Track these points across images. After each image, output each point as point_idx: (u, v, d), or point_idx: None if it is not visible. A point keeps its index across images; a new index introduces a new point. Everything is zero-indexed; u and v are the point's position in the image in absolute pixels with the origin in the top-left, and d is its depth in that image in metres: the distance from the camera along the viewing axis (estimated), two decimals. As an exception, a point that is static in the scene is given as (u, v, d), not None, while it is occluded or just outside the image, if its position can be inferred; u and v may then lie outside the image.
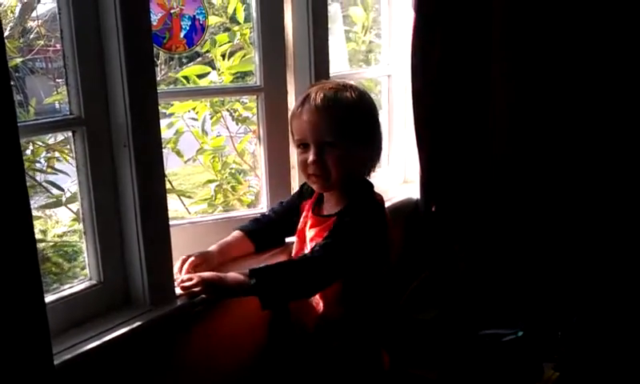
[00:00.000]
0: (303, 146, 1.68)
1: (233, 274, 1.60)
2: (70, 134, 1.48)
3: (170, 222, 1.60)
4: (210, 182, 2.43)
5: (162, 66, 2.50)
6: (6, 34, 1.95)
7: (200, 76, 2.26)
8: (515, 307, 2.42)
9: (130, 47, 1.43)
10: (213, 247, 1.76)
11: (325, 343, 1.73)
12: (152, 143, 1.51)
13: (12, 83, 1.57)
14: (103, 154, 1.49)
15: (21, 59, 2.11)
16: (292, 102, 1.96)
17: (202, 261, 1.68)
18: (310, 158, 1.64)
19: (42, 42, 2.14)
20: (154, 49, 1.80)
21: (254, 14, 1.92)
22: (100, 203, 1.50)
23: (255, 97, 2.00)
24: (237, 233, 1.83)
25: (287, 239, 1.91)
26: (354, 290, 1.69)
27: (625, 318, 2.35)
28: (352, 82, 1.76)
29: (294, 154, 1.95)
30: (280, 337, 1.87)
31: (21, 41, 2.17)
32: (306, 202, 1.83)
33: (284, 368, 1.87)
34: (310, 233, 1.74)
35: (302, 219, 1.82)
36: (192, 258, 1.66)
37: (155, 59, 2.41)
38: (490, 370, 2.22)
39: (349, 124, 1.63)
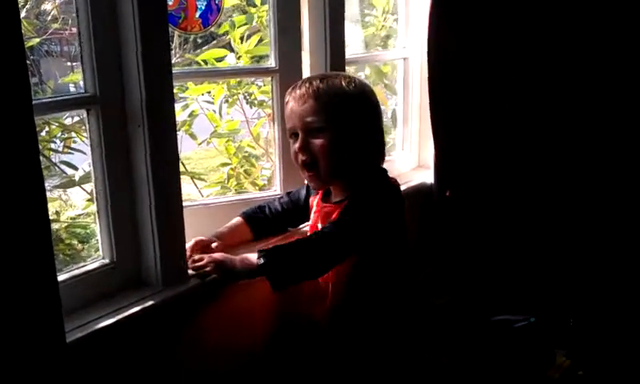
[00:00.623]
0: (294, 136, 1.66)
1: (243, 256, 1.59)
2: (84, 113, 1.48)
3: (183, 204, 1.60)
4: (223, 165, 2.43)
5: (177, 50, 2.50)
6: (22, 14, 1.96)
7: (218, 60, 2.25)
8: (527, 293, 2.40)
9: (145, 27, 1.42)
10: (216, 233, 1.75)
11: (339, 334, 1.73)
12: (166, 123, 1.51)
13: (28, 63, 1.59)
14: (117, 134, 1.49)
15: (37, 40, 2.11)
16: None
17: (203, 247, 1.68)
18: (297, 144, 1.63)
19: (57, 25, 2.14)
20: (169, 29, 1.80)
21: (270, -5, 1.90)
22: (113, 183, 1.50)
23: (270, 78, 1.99)
24: (237, 219, 1.82)
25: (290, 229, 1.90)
26: (369, 273, 1.67)
27: (638, 306, 2.34)
28: (350, 75, 1.75)
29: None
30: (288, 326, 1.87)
31: (37, 22, 2.18)
32: (314, 197, 1.81)
33: (294, 352, 1.87)
34: (323, 225, 1.72)
35: (312, 215, 1.80)
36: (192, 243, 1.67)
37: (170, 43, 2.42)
38: (502, 357, 2.21)
39: (336, 109, 1.61)
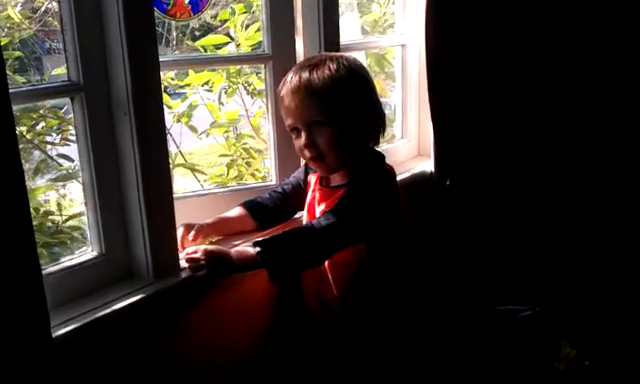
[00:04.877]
0: (296, 131, 1.64)
1: (239, 249, 1.57)
2: (68, 101, 1.44)
3: (180, 194, 1.55)
4: (223, 156, 2.39)
5: (173, 42, 2.46)
6: (17, 8, 1.93)
7: (218, 47, 2.21)
8: (531, 283, 2.37)
9: (129, 10, 1.38)
10: (208, 220, 1.72)
11: (349, 321, 1.71)
12: (154, 110, 1.47)
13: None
14: (103, 123, 1.45)
15: (31, 31, 2.09)
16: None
17: (191, 230, 1.65)
18: (302, 141, 1.61)
19: (56, 22, 2.12)
20: (159, 16, 1.76)
21: (261, -21, 1.86)
22: (100, 173, 1.47)
23: (263, 66, 1.95)
24: (238, 209, 1.79)
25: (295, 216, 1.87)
26: (371, 263, 1.66)
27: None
28: (337, 53, 1.70)
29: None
30: (289, 313, 1.85)
31: (33, 15, 2.15)
32: (313, 174, 1.78)
33: (294, 345, 1.85)
34: (320, 207, 1.70)
35: (309, 193, 1.78)
36: (181, 229, 1.64)
37: (167, 34, 2.39)
38: (506, 347, 2.18)
39: (331, 99, 1.57)
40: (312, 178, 1.78)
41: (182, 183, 2.45)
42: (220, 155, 2.43)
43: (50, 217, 2.03)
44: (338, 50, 1.92)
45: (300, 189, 1.83)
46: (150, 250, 1.51)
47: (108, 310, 1.39)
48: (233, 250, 1.56)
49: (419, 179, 2.36)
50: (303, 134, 1.60)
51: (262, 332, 1.82)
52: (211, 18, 2.40)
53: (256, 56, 2.06)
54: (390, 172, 1.71)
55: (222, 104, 2.33)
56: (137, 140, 1.44)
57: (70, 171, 2.04)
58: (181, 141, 2.34)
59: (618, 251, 2.35)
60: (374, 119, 1.67)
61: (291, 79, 1.60)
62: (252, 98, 2.38)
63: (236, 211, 1.79)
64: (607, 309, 2.30)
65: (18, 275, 1.17)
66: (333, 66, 1.60)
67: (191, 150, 3.41)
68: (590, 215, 2.37)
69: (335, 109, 1.58)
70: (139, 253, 1.52)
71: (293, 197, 1.84)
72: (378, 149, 1.74)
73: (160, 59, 1.49)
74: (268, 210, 1.81)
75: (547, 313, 2.23)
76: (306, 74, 1.58)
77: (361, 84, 1.65)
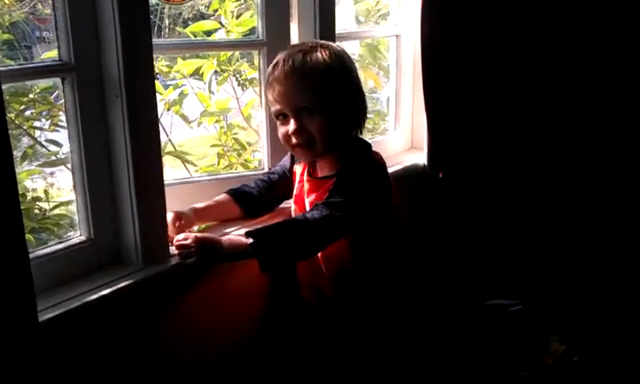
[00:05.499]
0: (282, 117, 1.63)
1: (231, 237, 1.56)
2: (59, 81, 1.42)
3: (171, 181, 1.56)
4: (214, 146, 2.37)
5: (166, 30, 2.44)
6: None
7: (207, 33, 2.19)
8: (521, 277, 2.36)
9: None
10: (195, 205, 1.71)
11: (343, 310, 1.72)
12: (146, 92, 1.44)
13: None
14: (94, 105, 1.43)
15: (23, 14, 2.06)
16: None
17: (181, 217, 1.64)
18: (291, 128, 1.60)
19: (48, 11, 2.10)
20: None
21: (256, -35, 1.84)
22: (90, 155, 1.44)
23: (257, 52, 1.93)
24: (223, 196, 1.78)
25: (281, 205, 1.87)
26: (363, 253, 1.67)
27: (634, 293, 2.30)
28: (325, 42, 1.69)
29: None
30: (283, 301, 1.84)
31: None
32: (298, 165, 1.78)
33: (287, 336, 1.85)
34: (309, 198, 1.70)
35: (296, 184, 1.77)
36: (171, 215, 1.62)
37: (159, 22, 2.36)
38: (495, 342, 2.17)
39: (323, 85, 1.58)
40: (298, 169, 1.78)
41: (172, 174, 2.43)
42: (211, 146, 2.41)
43: (37, 203, 2.00)
44: (333, 39, 1.91)
45: (286, 178, 1.83)
46: (140, 235, 1.49)
47: (96, 296, 1.37)
48: (224, 239, 1.54)
49: (412, 172, 2.35)
50: (292, 120, 1.59)
51: (253, 320, 1.80)
52: (204, 7, 2.37)
53: (250, 42, 2.04)
54: (379, 161, 1.71)
55: (213, 93, 2.31)
56: (128, 123, 1.42)
57: (59, 156, 2.02)
58: (171, 131, 2.31)
59: (609, 247, 2.35)
60: (359, 108, 1.68)
61: (283, 63, 1.59)
62: (243, 89, 2.36)
63: (221, 198, 1.78)
64: (597, 304, 2.30)
65: (5, 258, 1.15)
66: (325, 53, 1.60)
67: (181, 142, 3.40)
68: (582, 211, 2.37)
69: (326, 95, 1.58)
70: (129, 238, 1.50)
71: (279, 186, 1.83)
72: (368, 140, 1.74)
73: (153, 42, 1.46)
74: (254, 198, 1.80)
75: (537, 308, 2.23)
76: (299, 58, 1.58)
77: (350, 73, 1.65)
